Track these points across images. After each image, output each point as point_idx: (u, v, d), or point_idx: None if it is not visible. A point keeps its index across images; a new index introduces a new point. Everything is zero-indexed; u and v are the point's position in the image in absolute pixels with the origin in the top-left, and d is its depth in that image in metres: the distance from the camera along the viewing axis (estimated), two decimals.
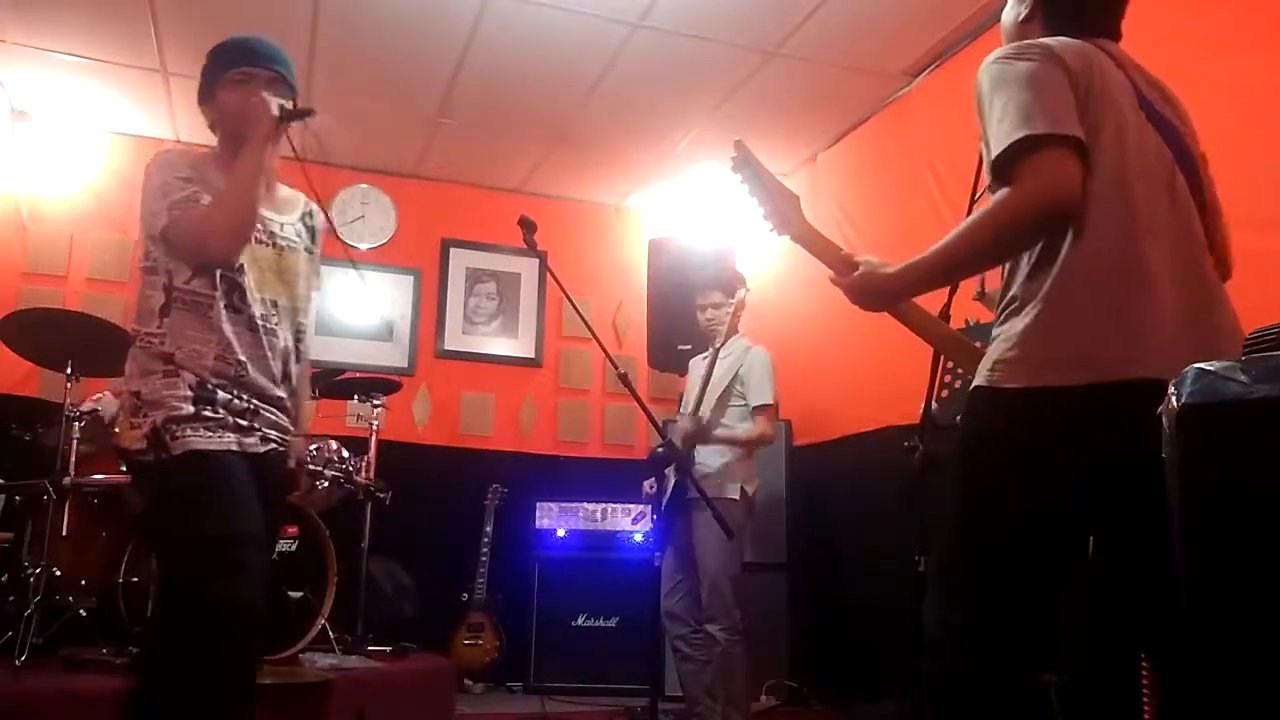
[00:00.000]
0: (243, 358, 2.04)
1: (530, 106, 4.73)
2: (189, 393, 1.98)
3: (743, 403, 3.58)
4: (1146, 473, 1.39)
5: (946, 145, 3.95)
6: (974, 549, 1.54)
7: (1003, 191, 1.46)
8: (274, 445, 2.10)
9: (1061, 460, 1.45)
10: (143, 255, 2.07)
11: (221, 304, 2.03)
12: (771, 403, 3.58)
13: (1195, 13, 2.86)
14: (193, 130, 5.20)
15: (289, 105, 2.12)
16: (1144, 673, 2.27)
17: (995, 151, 1.46)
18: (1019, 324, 1.51)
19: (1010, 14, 1.74)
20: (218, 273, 2.03)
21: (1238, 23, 2.78)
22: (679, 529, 3.49)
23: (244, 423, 2.04)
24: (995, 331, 1.58)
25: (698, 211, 5.75)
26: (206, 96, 2.19)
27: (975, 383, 1.57)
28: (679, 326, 4.74)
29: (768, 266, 5.28)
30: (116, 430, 2.06)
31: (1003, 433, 1.52)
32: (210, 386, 2.00)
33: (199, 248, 1.99)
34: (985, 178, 1.60)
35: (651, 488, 3.63)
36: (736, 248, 5.22)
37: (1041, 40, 1.57)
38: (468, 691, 4.45)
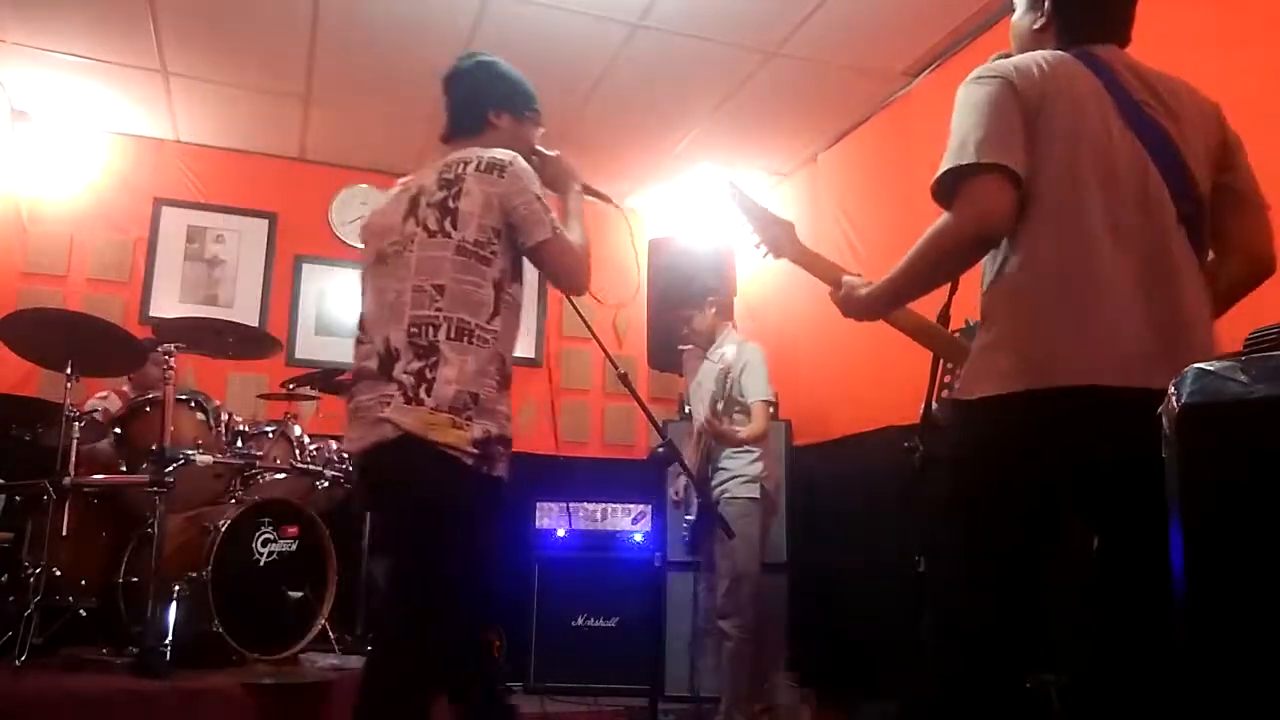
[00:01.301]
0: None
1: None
2: (509, 410, 2.02)
3: (743, 400, 3.60)
4: (1110, 476, 1.47)
5: (946, 145, 3.94)
6: (949, 560, 1.59)
7: (941, 217, 1.55)
8: None
9: (1024, 465, 1.50)
10: (475, 240, 1.97)
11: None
12: (766, 398, 3.58)
13: (1196, 12, 2.86)
14: (193, 130, 5.21)
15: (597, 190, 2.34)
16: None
17: (936, 176, 1.56)
18: (983, 335, 1.59)
19: (1024, 20, 1.78)
20: (522, 285, 2.08)
21: (1238, 23, 2.78)
22: (703, 530, 3.54)
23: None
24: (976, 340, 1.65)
25: (698, 211, 5.75)
26: (507, 109, 2.21)
27: (956, 395, 1.64)
28: (679, 327, 4.74)
29: (767, 266, 5.28)
30: (423, 418, 1.89)
31: (967, 442, 1.59)
32: (510, 416, 2.04)
33: (578, 279, 2.06)
34: None
35: (678, 494, 3.68)
36: (736, 248, 5.22)
37: (1002, 63, 1.63)
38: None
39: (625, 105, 4.72)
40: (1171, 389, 1.21)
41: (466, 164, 2.02)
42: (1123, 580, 1.56)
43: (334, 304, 5.41)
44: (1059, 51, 1.63)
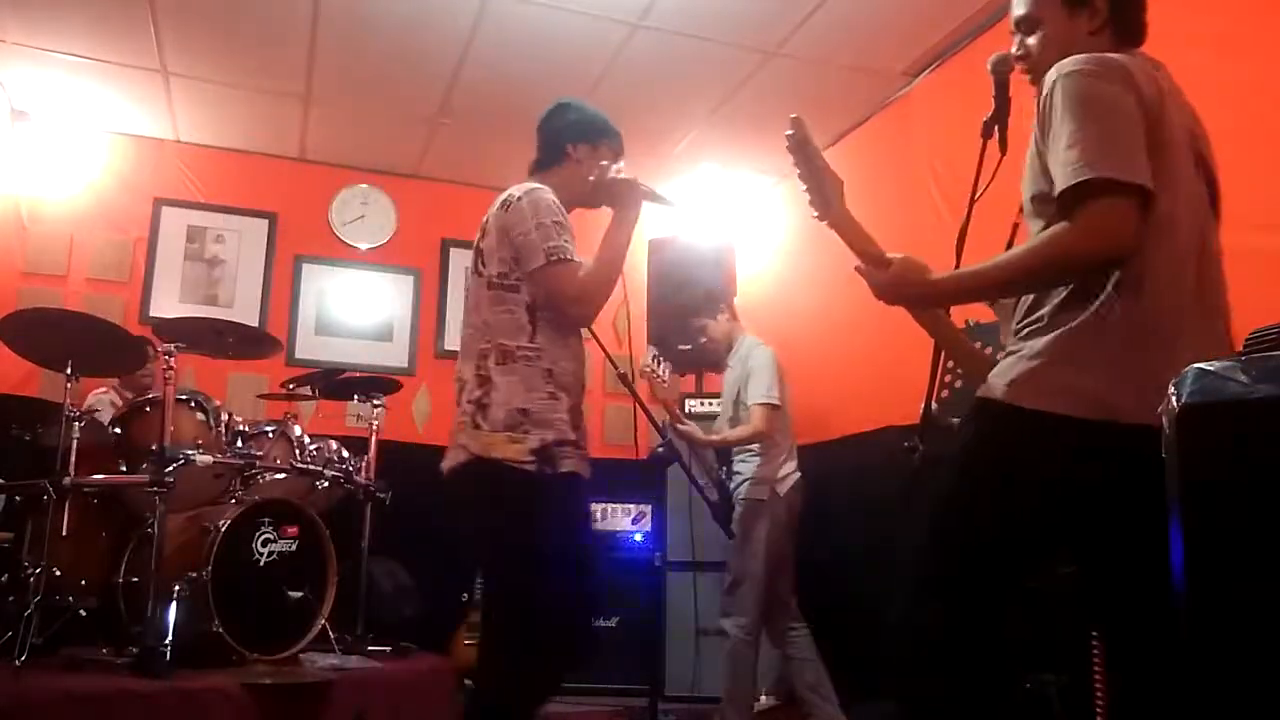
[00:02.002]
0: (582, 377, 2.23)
1: (530, 106, 4.66)
2: (567, 416, 2.14)
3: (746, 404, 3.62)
4: (1145, 514, 1.38)
5: (946, 145, 3.95)
6: (956, 549, 1.56)
7: (1061, 227, 1.45)
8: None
9: (1058, 487, 1.47)
10: (498, 272, 2.16)
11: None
12: (765, 400, 3.59)
13: (1197, 12, 2.86)
14: (193, 130, 5.21)
15: (659, 194, 2.38)
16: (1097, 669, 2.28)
17: (1062, 184, 1.44)
18: (1043, 344, 1.51)
19: (1069, 24, 1.68)
20: None
21: (1239, 23, 2.78)
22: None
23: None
24: (1016, 344, 1.57)
25: (698, 211, 5.75)
26: (583, 140, 2.36)
27: (990, 394, 1.56)
28: (679, 327, 4.74)
29: (767, 267, 5.28)
30: (482, 440, 2.07)
31: (1006, 450, 1.53)
32: (579, 410, 2.18)
33: (567, 305, 2.14)
34: (1028, 185, 1.59)
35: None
36: (736, 248, 5.23)
37: (1120, 60, 1.53)
38: (468, 691, 4.44)
39: (625, 105, 4.71)
40: (1171, 389, 1.21)
41: (495, 205, 2.22)
42: (1120, 609, 1.55)
43: (334, 304, 5.41)
44: (1136, 55, 1.55)
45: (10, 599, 3.16)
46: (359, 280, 5.46)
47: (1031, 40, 1.73)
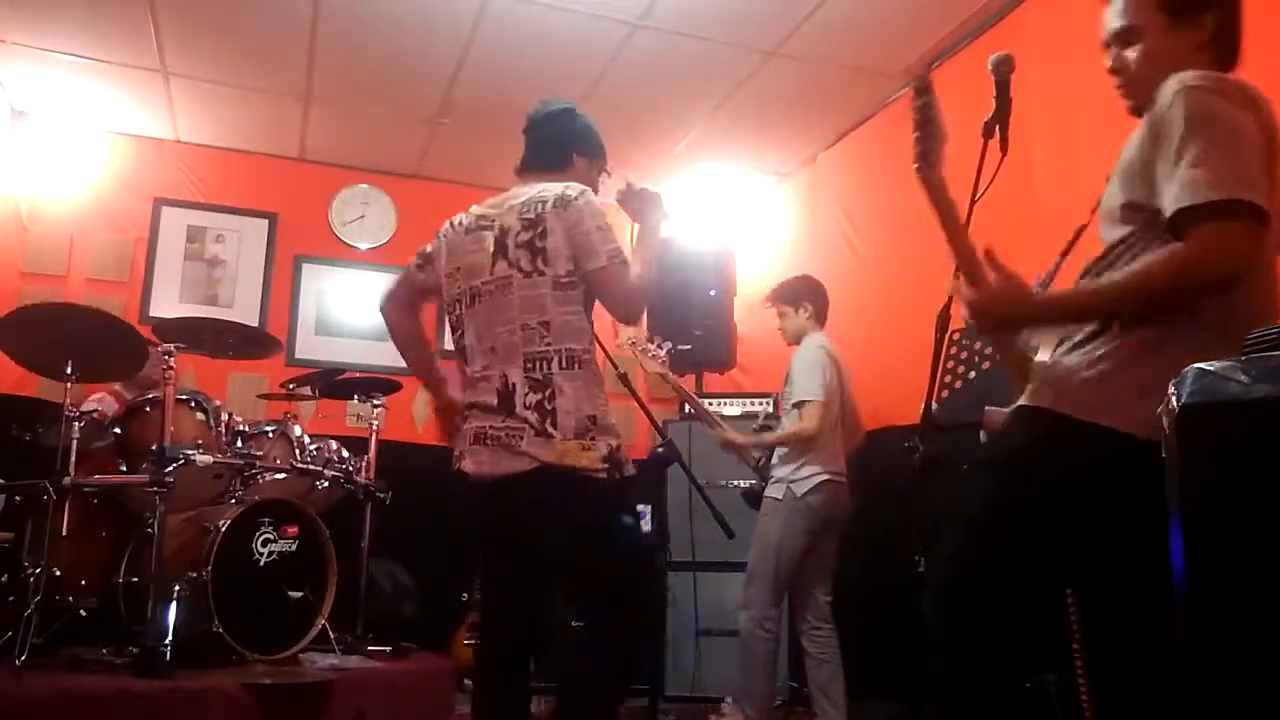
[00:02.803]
0: None
1: (530, 106, 4.72)
2: (614, 418, 2.18)
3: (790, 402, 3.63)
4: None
5: (947, 145, 3.94)
6: (992, 554, 1.53)
7: (1180, 247, 1.41)
8: None
9: (1109, 503, 1.45)
10: (566, 271, 2.15)
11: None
12: (806, 398, 3.55)
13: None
14: (193, 130, 5.21)
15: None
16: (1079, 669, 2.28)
17: (1184, 202, 1.40)
18: (1107, 356, 1.48)
19: (1171, 39, 1.62)
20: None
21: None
22: None
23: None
24: (1070, 353, 1.55)
25: (698, 211, 5.75)
26: (585, 155, 2.42)
27: (1039, 403, 1.53)
28: (679, 327, 4.74)
29: (767, 267, 5.28)
30: (556, 448, 2.07)
31: (1061, 462, 1.50)
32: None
33: (625, 303, 2.18)
34: (1122, 192, 1.54)
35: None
36: (736, 248, 5.23)
37: (1242, 81, 1.50)
38: (468, 691, 4.44)
39: (625, 105, 4.72)
40: (1171, 389, 1.21)
41: (544, 202, 2.19)
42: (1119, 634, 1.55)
43: (334, 304, 5.41)
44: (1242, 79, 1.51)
45: (10, 599, 3.16)
46: (359, 280, 5.45)
47: (1130, 53, 1.65)
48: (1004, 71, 1.89)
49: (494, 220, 2.26)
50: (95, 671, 2.95)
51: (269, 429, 4.00)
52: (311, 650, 3.45)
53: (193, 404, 3.65)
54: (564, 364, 2.12)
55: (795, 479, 3.52)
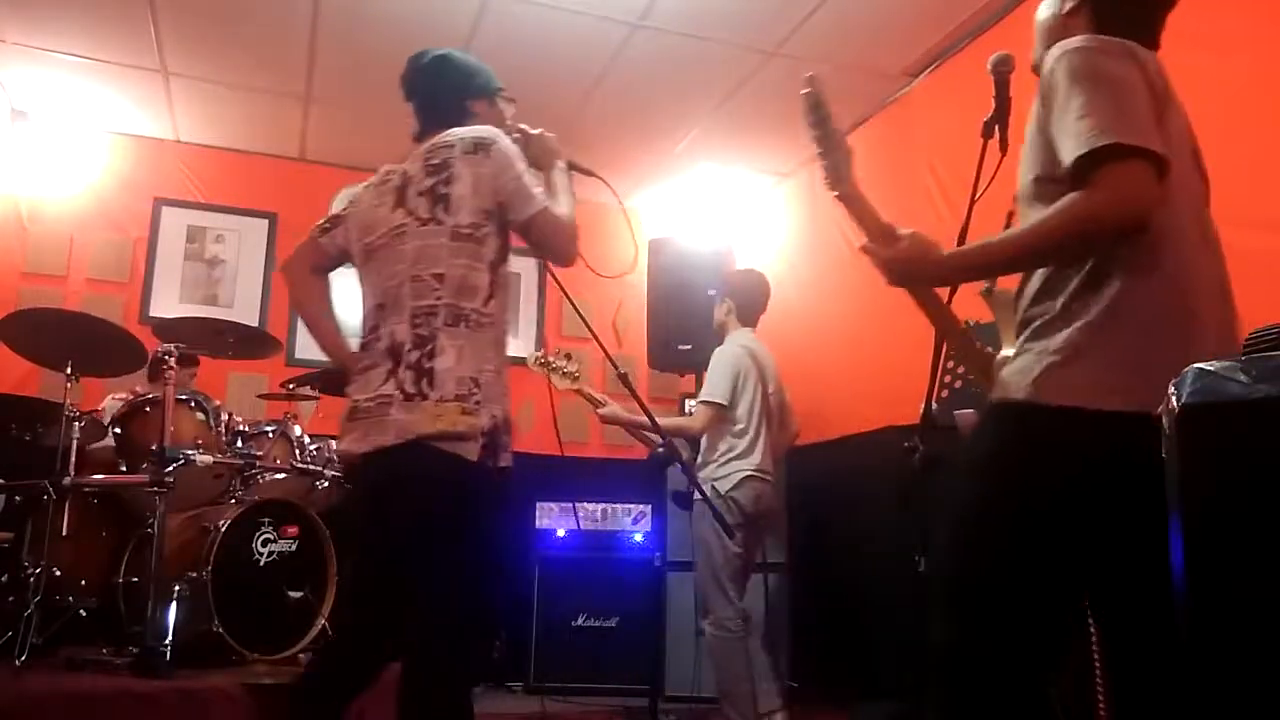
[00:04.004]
0: None
1: (530, 106, 4.67)
2: (509, 393, 2.01)
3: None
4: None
5: (946, 145, 3.95)
6: (987, 565, 1.50)
7: (1077, 194, 1.41)
8: None
9: (1094, 485, 1.42)
10: (470, 222, 1.97)
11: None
12: (705, 398, 3.57)
13: (1196, 12, 2.86)
14: (193, 130, 5.21)
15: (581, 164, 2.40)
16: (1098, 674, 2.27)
17: (1077, 151, 1.40)
18: (1063, 339, 1.47)
19: (1050, 8, 1.68)
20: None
21: (1239, 23, 2.78)
22: None
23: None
24: (1026, 342, 1.53)
25: (698, 211, 5.75)
26: (482, 96, 2.27)
27: (1010, 395, 1.51)
28: (679, 326, 4.74)
29: (767, 267, 5.26)
30: (429, 411, 1.85)
31: (1037, 450, 1.47)
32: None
33: (567, 244, 2.05)
34: (1029, 168, 1.55)
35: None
36: (736, 248, 5.23)
37: (1123, 40, 1.51)
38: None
39: (625, 105, 4.72)
40: (1171, 389, 1.21)
41: (451, 147, 2.04)
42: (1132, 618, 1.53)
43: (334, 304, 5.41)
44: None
45: (10, 599, 3.17)
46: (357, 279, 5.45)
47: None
48: (1004, 71, 1.89)
49: (396, 173, 2.15)
50: (95, 671, 2.96)
51: (269, 429, 4.00)
52: (311, 650, 3.45)
53: (193, 404, 3.65)
54: (450, 321, 1.92)
55: (718, 476, 3.52)
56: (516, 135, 2.23)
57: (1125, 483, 1.39)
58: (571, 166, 2.32)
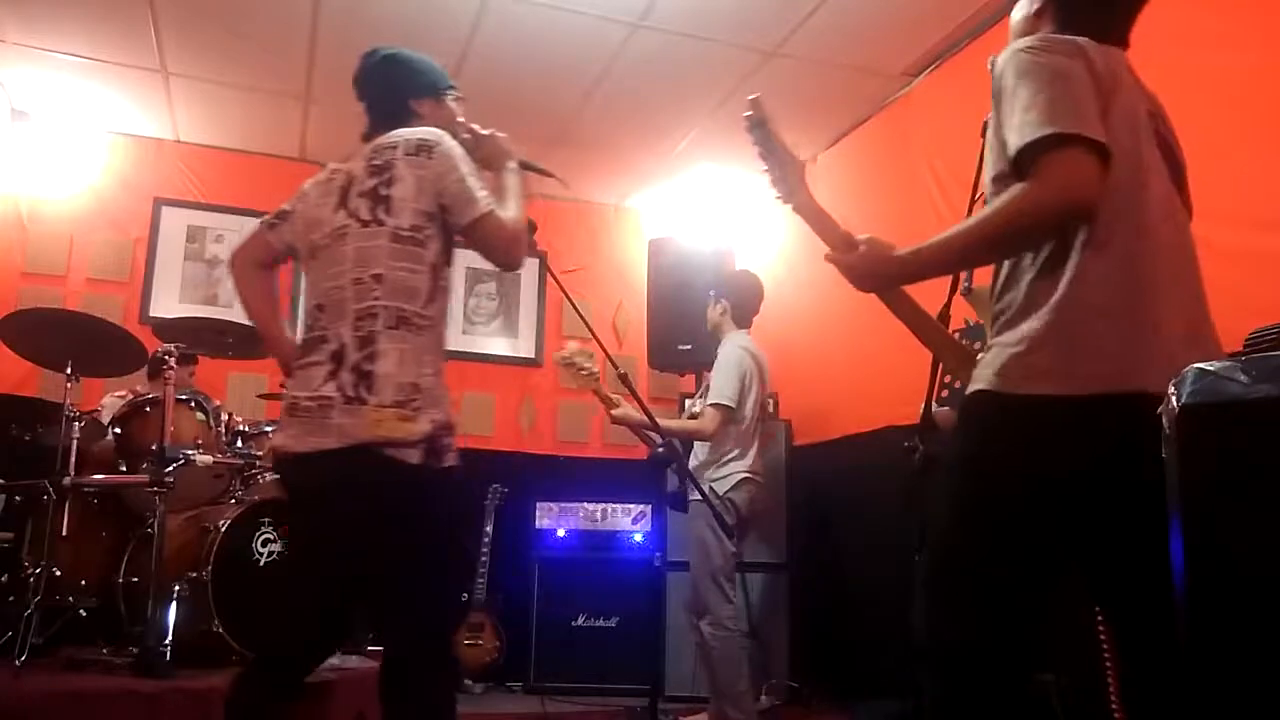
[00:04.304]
0: None
1: (530, 106, 4.73)
2: (448, 396, 1.96)
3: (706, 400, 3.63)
4: (1152, 487, 1.38)
5: (946, 145, 3.95)
6: (971, 563, 1.51)
7: (1020, 185, 1.44)
8: None
9: (1067, 471, 1.43)
10: (411, 225, 1.95)
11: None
12: (718, 400, 3.56)
13: (1196, 12, 2.86)
14: (193, 130, 5.21)
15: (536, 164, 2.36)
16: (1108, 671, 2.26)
17: (1019, 143, 1.44)
18: (1026, 328, 1.49)
19: (1021, 10, 1.72)
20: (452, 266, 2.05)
21: (1238, 22, 2.78)
22: None
23: None
24: (994, 336, 1.55)
25: (698, 211, 5.75)
26: (428, 95, 2.20)
27: (976, 387, 1.53)
28: (679, 326, 4.74)
29: (767, 267, 5.27)
30: (368, 416, 1.83)
31: (1007, 441, 1.49)
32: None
33: (511, 248, 2.02)
34: (989, 169, 1.59)
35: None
36: (736, 248, 5.23)
37: (1069, 36, 1.55)
38: (468, 691, 4.45)
39: (625, 105, 4.72)
40: (1171, 389, 1.21)
41: (394, 148, 2.01)
42: (1123, 592, 1.53)
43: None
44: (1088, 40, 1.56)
45: (10, 599, 3.17)
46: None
47: None
48: None
49: (341, 173, 2.10)
50: (95, 671, 2.96)
51: (269, 429, 4.00)
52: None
53: (193, 404, 3.65)
54: (391, 324, 1.90)
55: (717, 478, 3.53)
56: (466, 136, 2.20)
57: (1093, 465, 1.41)
58: (525, 166, 2.27)
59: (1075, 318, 1.46)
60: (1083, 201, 1.42)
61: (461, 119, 2.24)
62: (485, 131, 2.23)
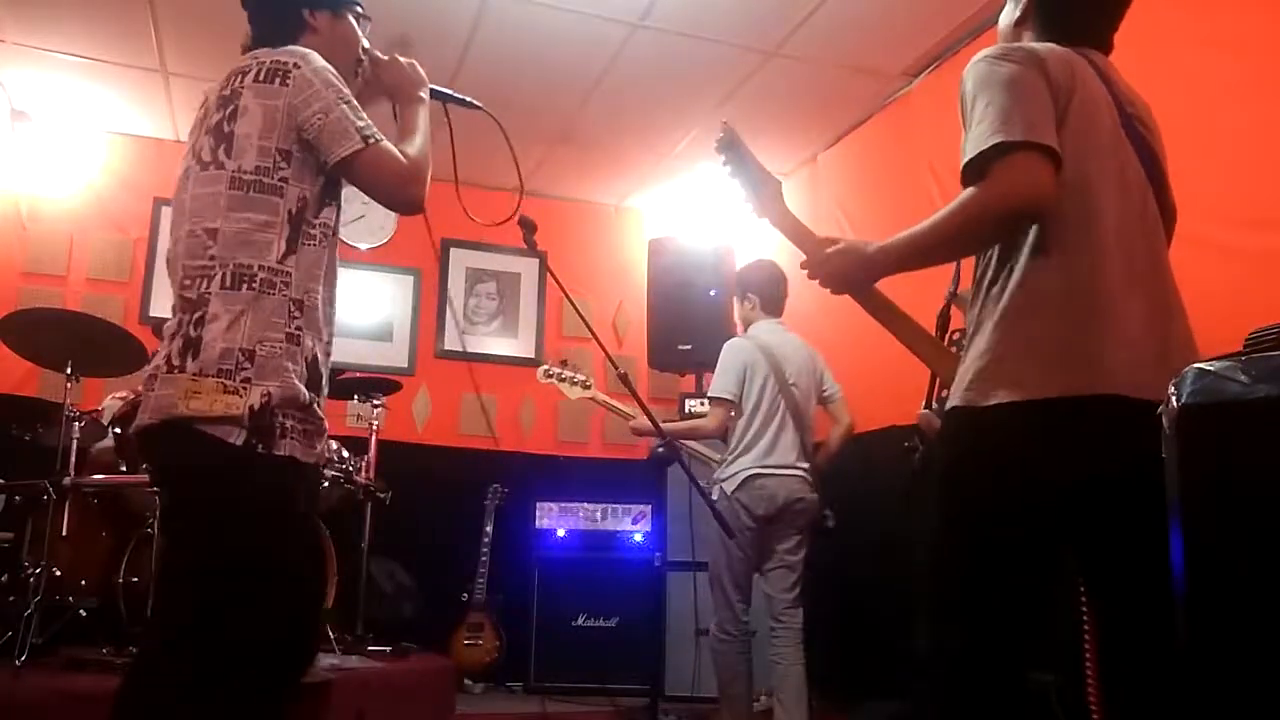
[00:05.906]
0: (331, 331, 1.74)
1: (530, 106, 4.72)
2: (305, 370, 1.67)
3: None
4: (1119, 488, 1.40)
5: (946, 145, 3.93)
6: (959, 574, 1.53)
7: (976, 188, 1.48)
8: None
9: (1037, 475, 1.45)
10: (255, 166, 1.65)
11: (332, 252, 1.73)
12: (712, 394, 3.53)
13: (1196, 12, 2.86)
14: None
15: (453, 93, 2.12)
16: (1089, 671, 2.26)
17: (971, 152, 1.48)
18: (984, 341, 1.53)
19: (1006, 16, 1.75)
20: (339, 207, 1.76)
21: (1238, 22, 2.78)
22: None
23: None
24: (969, 346, 1.58)
25: (698, 211, 5.75)
26: (325, 7, 1.85)
27: (951, 404, 1.57)
28: (679, 326, 4.74)
29: None
30: (184, 387, 1.58)
31: (979, 451, 1.52)
32: (320, 366, 1.71)
33: (404, 186, 1.73)
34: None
35: None
36: (736, 248, 5.22)
37: (1028, 44, 1.59)
38: (468, 691, 4.45)
39: (625, 105, 4.72)
40: (1171, 389, 1.21)
41: (245, 74, 1.69)
42: (1108, 594, 1.55)
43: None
44: (1065, 48, 1.59)
45: (10, 599, 3.17)
46: (359, 280, 5.45)
47: None
48: None
49: (205, 99, 1.79)
50: (95, 671, 2.95)
51: None
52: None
53: None
54: (227, 282, 1.62)
55: (724, 477, 3.49)
56: (364, 60, 1.92)
57: (1061, 468, 1.43)
58: (438, 96, 2.01)
59: (1030, 324, 1.49)
60: (1029, 203, 1.45)
61: (366, 44, 1.94)
62: (386, 57, 1.95)
